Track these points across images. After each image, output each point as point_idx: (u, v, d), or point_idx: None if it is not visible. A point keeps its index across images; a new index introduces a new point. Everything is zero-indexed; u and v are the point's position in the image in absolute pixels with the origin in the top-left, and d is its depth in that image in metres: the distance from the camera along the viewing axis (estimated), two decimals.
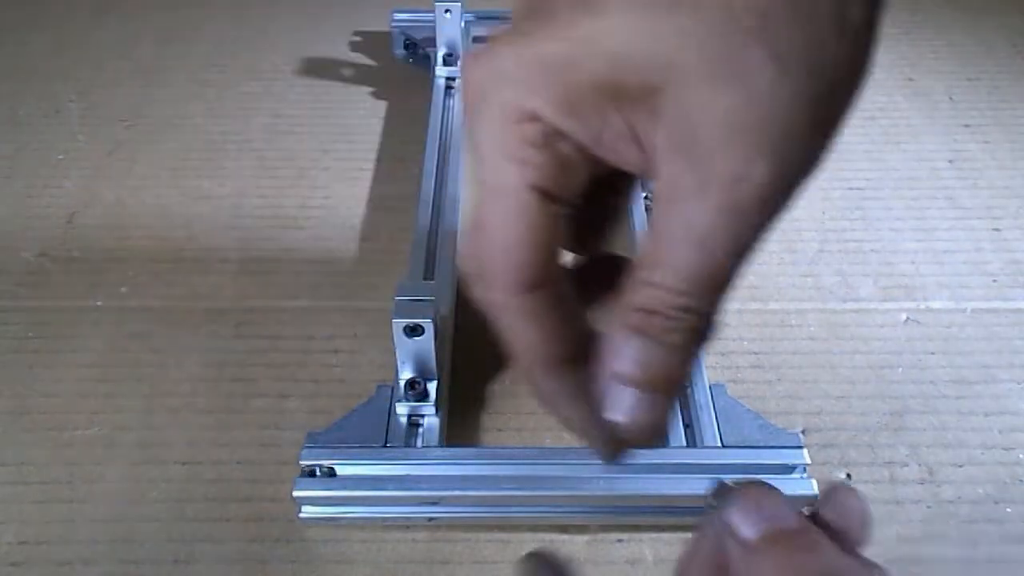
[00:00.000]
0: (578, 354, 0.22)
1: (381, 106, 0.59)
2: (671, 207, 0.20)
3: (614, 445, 0.22)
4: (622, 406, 0.21)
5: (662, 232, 0.20)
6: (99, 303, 0.46)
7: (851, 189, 0.53)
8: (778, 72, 0.19)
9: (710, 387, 0.39)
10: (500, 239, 0.21)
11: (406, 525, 0.36)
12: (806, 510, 0.22)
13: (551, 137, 0.21)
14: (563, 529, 0.36)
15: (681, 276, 0.20)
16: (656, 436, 0.22)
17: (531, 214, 0.21)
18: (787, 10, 0.19)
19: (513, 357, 0.22)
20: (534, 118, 0.20)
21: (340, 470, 0.35)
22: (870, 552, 0.22)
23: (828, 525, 0.22)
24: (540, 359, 0.22)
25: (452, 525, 0.36)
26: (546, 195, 0.21)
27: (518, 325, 0.22)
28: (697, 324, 0.20)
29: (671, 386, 0.21)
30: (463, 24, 0.59)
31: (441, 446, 0.37)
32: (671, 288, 0.20)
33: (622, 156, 0.21)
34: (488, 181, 0.21)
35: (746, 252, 0.20)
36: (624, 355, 0.21)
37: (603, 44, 0.20)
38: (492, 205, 0.21)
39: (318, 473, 0.35)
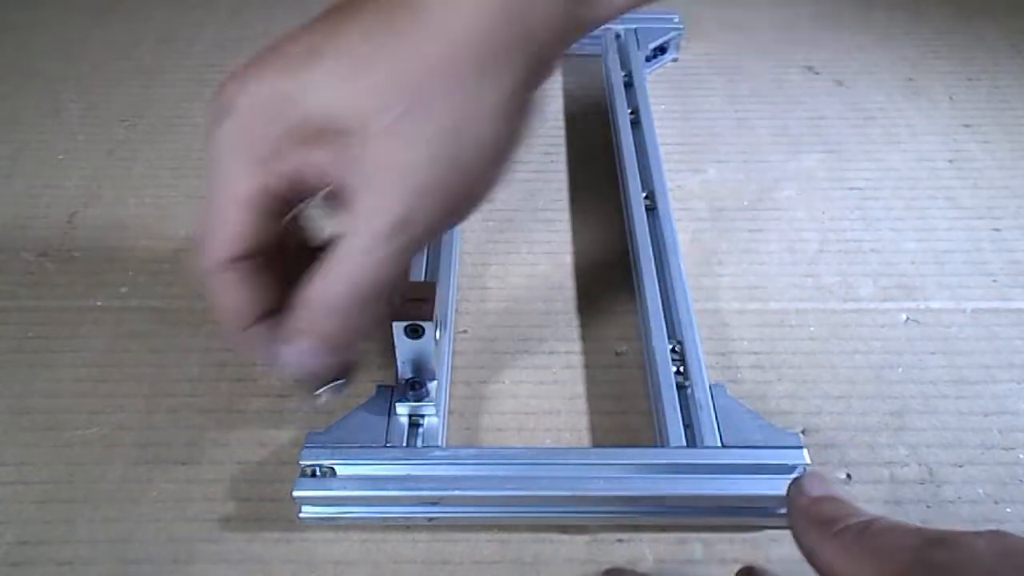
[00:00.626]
0: (270, 313, 0.28)
1: None
2: (341, 232, 0.25)
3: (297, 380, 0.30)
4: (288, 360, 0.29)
5: (330, 252, 0.26)
6: (99, 303, 0.46)
7: (851, 189, 0.53)
8: (423, 138, 0.24)
9: (710, 387, 0.39)
10: (218, 221, 0.26)
11: (406, 525, 0.36)
12: None
13: (272, 158, 0.26)
14: (563, 529, 0.36)
15: (326, 296, 0.26)
16: (318, 377, 0.30)
17: (244, 212, 0.26)
18: (439, 87, 0.24)
19: (216, 315, 0.28)
20: (264, 140, 0.25)
21: (340, 470, 0.35)
22: None
23: None
24: (233, 319, 0.28)
25: (452, 525, 0.36)
26: (262, 201, 0.26)
27: (219, 290, 0.27)
28: (335, 330, 0.27)
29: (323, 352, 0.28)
30: None
31: (442, 446, 0.37)
32: (317, 305, 0.27)
33: (317, 189, 0.26)
34: (217, 175, 0.26)
35: (379, 277, 0.26)
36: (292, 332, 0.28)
37: (316, 90, 0.24)
38: (219, 196, 0.26)
39: (318, 473, 0.35)
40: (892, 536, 0.25)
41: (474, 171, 0.25)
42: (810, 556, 0.27)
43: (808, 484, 0.29)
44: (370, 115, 0.24)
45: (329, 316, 0.27)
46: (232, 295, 0.28)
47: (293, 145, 0.25)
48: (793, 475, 0.35)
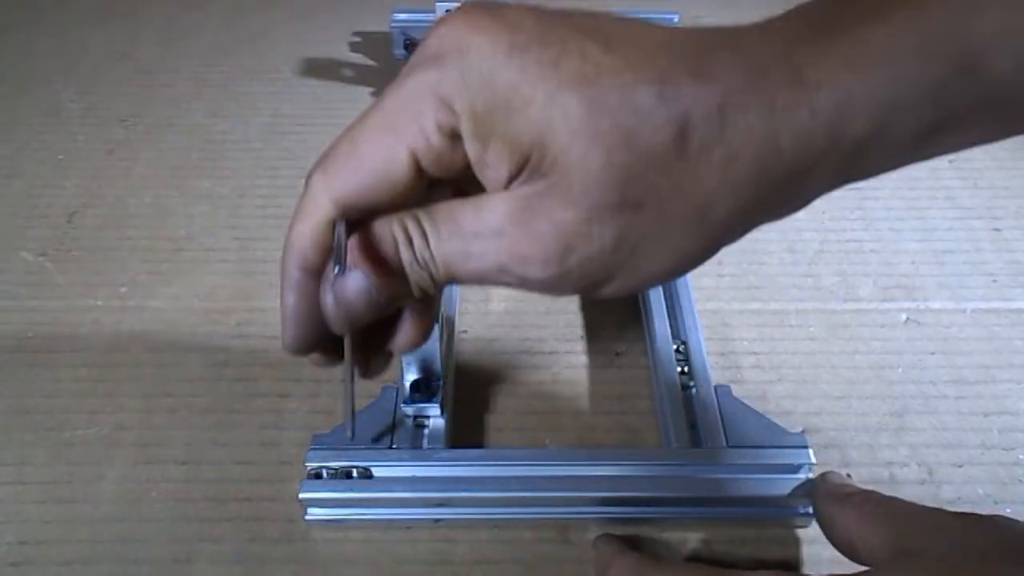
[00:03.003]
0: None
1: None
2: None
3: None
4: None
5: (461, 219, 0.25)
6: (99, 303, 0.46)
7: (851, 189, 0.52)
8: (603, 158, 0.22)
9: (715, 387, 0.39)
10: (369, 163, 0.25)
11: (407, 526, 0.36)
12: None
13: (450, 132, 0.24)
14: (564, 529, 0.36)
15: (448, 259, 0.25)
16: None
17: (401, 170, 0.25)
18: (620, 110, 0.22)
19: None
20: (452, 111, 0.24)
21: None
22: None
23: None
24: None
25: (453, 525, 0.36)
26: (415, 166, 0.25)
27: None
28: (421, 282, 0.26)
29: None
30: None
31: (447, 447, 0.37)
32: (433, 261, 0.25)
33: (486, 179, 0.25)
34: (380, 118, 0.25)
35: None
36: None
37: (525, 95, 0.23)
38: (376, 136, 0.25)
39: (324, 475, 0.35)
40: (908, 506, 0.28)
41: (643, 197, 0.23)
42: (830, 525, 0.30)
43: (832, 476, 0.33)
44: (572, 128, 0.23)
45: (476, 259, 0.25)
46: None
47: (487, 137, 0.24)
48: (799, 475, 0.35)
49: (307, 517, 0.36)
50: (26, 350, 0.43)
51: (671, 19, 0.63)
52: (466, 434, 0.40)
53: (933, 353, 0.43)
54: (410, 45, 0.63)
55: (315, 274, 0.27)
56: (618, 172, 0.22)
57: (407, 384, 0.38)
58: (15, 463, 0.38)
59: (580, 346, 0.44)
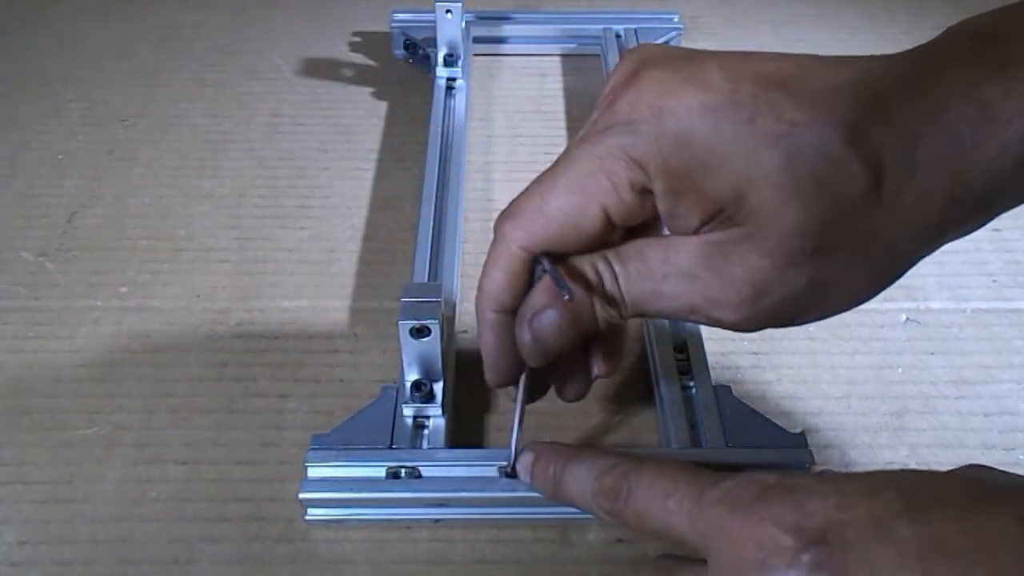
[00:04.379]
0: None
1: (381, 106, 0.59)
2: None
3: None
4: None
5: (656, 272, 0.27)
6: (99, 303, 0.46)
7: None
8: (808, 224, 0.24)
9: (715, 387, 0.39)
10: (560, 216, 0.27)
11: (407, 526, 0.36)
12: None
13: (641, 190, 0.26)
14: (564, 529, 0.36)
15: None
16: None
17: (591, 223, 0.27)
18: (815, 163, 0.23)
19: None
20: (645, 171, 0.26)
21: (344, 472, 0.35)
22: None
23: None
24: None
25: (453, 525, 0.36)
26: (606, 219, 0.27)
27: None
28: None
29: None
30: (463, 24, 0.59)
31: (447, 447, 0.37)
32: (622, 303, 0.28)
33: (674, 228, 0.27)
34: (572, 177, 0.27)
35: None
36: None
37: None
38: (567, 193, 0.27)
39: (401, 475, 0.35)
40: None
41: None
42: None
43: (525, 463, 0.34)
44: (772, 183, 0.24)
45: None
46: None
47: (680, 191, 0.26)
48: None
49: (307, 517, 0.36)
50: (26, 350, 0.43)
51: (670, 19, 0.63)
52: (466, 434, 0.40)
53: (933, 353, 0.43)
54: (410, 45, 0.63)
55: (509, 314, 0.30)
56: (815, 221, 0.24)
57: (407, 384, 0.38)
58: (15, 463, 0.38)
59: None
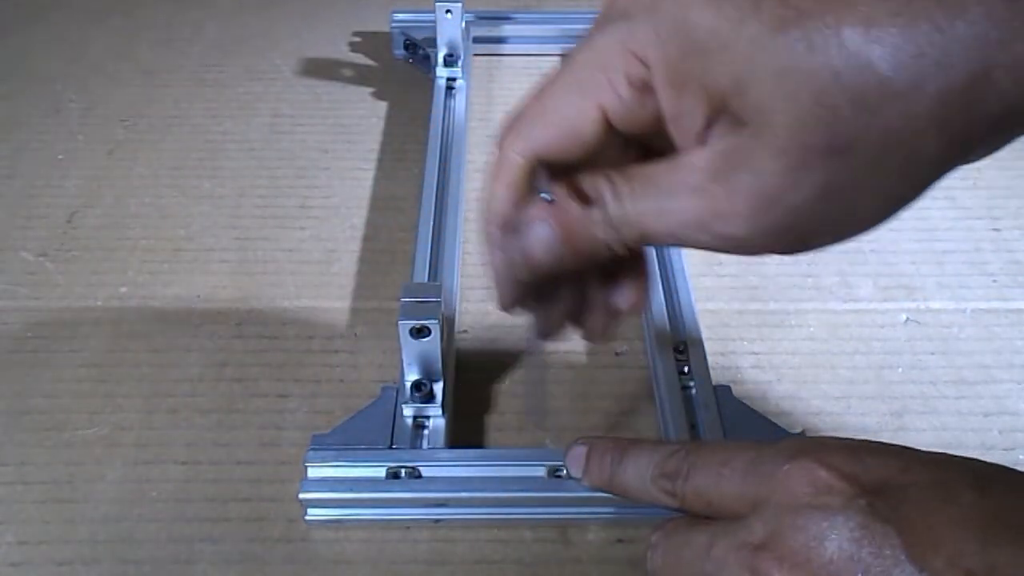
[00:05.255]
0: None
1: (381, 106, 0.59)
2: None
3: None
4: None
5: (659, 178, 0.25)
6: (99, 303, 0.46)
7: None
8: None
9: (715, 387, 0.39)
10: (559, 120, 0.26)
11: (407, 526, 0.36)
12: None
13: (641, 86, 0.25)
14: (563, 529, 0.36)
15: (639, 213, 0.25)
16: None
17: (590, 125, 0.25)
18: (827, 51, 0.21)
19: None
20: (644, 63, 0.24)
21: (344, 472, 0.35)
22: None
23: None
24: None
25: (453, 525, 0.36)
26: (605, 122, 0.25)
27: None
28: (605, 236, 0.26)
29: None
30: (463, 24, 0.59)
31: (446, 448, 0.37)
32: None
33: (680, 133, 0.25)
34: (569, 77, 0.26)
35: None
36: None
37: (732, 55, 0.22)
38: (564, 95, 0.26)
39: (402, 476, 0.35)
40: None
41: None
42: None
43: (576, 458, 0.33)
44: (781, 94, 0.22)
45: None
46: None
47: (684, 91, 0.24)
48: None
49: (307, 517, 0.36)
50: (26, 350, 0.43)
51: None
52: (466, 434, 0.40)
53: (933, 353, 0.43)
54: (410, 45, 0.63)
55: (515, 231, 0.28)
56: (826, 113, 0.22)
57: (407, 384, 0.38)
58: (15, 463, 0.38)
59: (580, 346, 0.44)
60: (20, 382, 0.42)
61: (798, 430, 0.38)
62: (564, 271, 0.28)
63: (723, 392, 0.39)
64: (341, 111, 0.59)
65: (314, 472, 0.35)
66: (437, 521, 0.36)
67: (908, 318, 0.45)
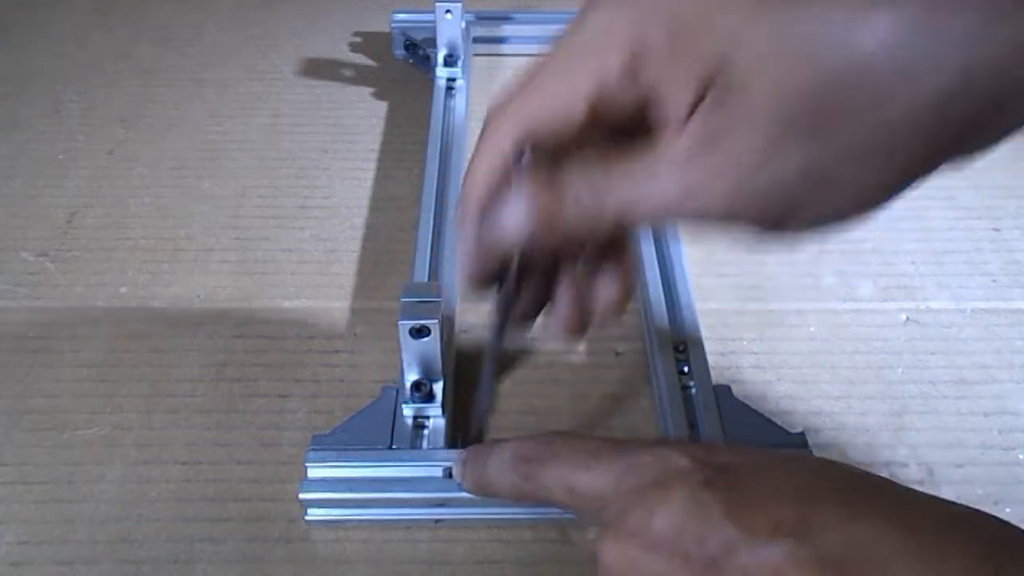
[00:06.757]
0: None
1: (381, 106, 0.59)
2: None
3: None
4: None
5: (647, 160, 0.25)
6: (99, 303, 0.46)
7: None
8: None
9: (715, 387, 0.39)
10: (548, 101, 0.26)
11: (407, 526, 0.36)
12: None
13: (629, 69, 0.25)
14: (564, 529, 0.36)
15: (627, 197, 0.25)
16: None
17: (576, 105, 0.25)
18: (809, 30, 0.22)
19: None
20: (632, 46, 0.24)
21: (344, 472, 0.35)
22: None
23: None
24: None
25: (453, 525, 0.36)
26: (592, 107, 0.25)
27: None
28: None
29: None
30: (464, 25, 0.59)
31: (446, 448, 0.37)
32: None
33: (666, 117, 0.25)
34: (559, 60, 0.26)
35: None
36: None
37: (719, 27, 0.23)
38: (551, 76, 0.26)
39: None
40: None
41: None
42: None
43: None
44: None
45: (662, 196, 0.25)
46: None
47: (677, 62, 0.24)
48: None
49: (307, 517, 0.36)
50: (26, 350, 0.43)
51: None
52: (466, 434, 0.40)
53: (933, 353, 0.43)
54: (410, 45, 0.63)
55: (493, 207, 0.28)
56: (806, 90, 0.22)
57: (407, 384, 0.38)
58: (15, 463, 0.38)
59: (580, 346, 0.44)
60: (20, 382, 0.42)
61: (798, 430, 0.38)
62: (541, 253, 0.28)
63: (723, 392, 0.39)
64: (341, 111, 0.59)
65: (314, 472, 0.35)
66: (437, 521, 0.36)
67: (908, 318, 0.45)
